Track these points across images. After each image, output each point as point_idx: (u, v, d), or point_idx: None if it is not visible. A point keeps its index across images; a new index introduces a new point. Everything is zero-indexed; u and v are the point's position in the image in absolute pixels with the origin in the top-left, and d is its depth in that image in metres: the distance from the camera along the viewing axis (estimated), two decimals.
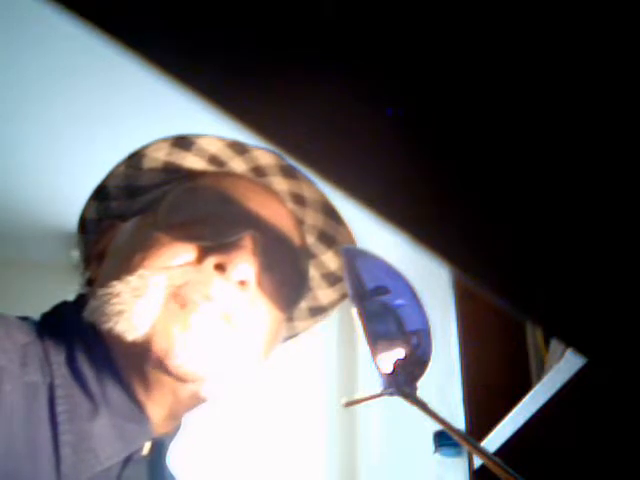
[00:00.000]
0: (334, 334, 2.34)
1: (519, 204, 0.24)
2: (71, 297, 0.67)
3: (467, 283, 0.26)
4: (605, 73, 0.21)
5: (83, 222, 0.70)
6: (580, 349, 0.31)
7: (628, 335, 0.27)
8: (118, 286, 0.57)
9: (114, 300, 0.56)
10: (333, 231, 0.69)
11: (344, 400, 0.61)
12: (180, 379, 0.57)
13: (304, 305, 0.72)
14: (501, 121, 0.22)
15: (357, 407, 2.14)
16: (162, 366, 0.56)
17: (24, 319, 0.61)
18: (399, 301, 0.54)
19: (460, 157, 0.23)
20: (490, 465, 0.46)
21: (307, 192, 0.67)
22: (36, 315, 0.64)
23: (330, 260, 0.71)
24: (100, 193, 0.68)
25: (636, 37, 0.20)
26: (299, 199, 0.68)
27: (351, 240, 0.68)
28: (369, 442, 2.15)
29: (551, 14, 0.20)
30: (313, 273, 0.71)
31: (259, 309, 0.61)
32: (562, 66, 0.21)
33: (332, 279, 0.71)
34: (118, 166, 0.66)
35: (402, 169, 0.23)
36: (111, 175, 0.67)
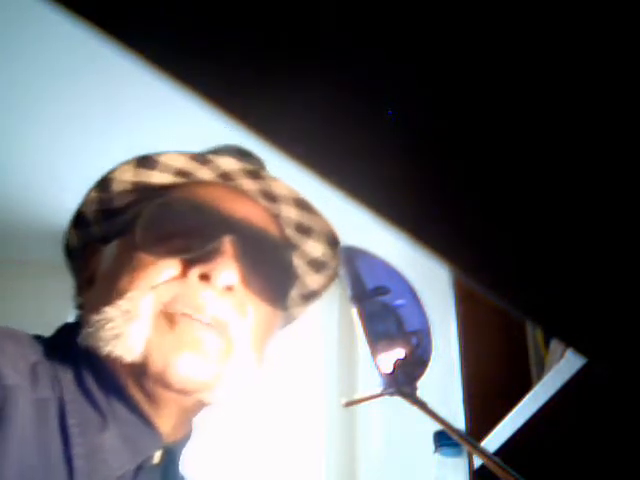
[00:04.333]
0: (334, 334, 2.34)
1: (519, 204, 0.24)
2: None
3: (467, 283, 0.26)
4: (605, 74, 0.21)
5: (68, 250, 0.73)
6: (580, 349, 0.31)
7: (628, 335, 0.27)
8: (110, 311, 0.58)
9: (108, 325, 0.58)
10: (308, 221, 0.70)
11: (344, 400, 0.61)
12: (181, 393, 0.58)
13: (295, 293, 0.73)
14: (501, 121, 0.22)
15: (357, 407, 2.14)
16: (162, 383, 0.57)
17: (35, 337, 0.62)
18: (399, 301, 0.54)
19: (460, 157, 0.23)
20: (490, 465, 0.46)
21: (276, 189, 0.67)
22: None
23: (312, 248, 0.72)
24: (78, 220, 0.70)
25: (636, 37, 0.20)
26: (270, 196, 0.68)
27: (327, 227, 0.69)
28: (369, 442, 2.15)
29: (550, 16, 0.20)
30: (298, 262, 0.72)
31: (250, 309, 0.62)
32: (562, 68, 0.21)
33: (317, 265, 0.73)
34: (90, 192, 0.68)
35: (402, 169, 0.23)
36: (85, 201, 0.68)
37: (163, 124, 1.90)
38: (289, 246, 0.71)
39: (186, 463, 0.65)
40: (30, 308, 2.21)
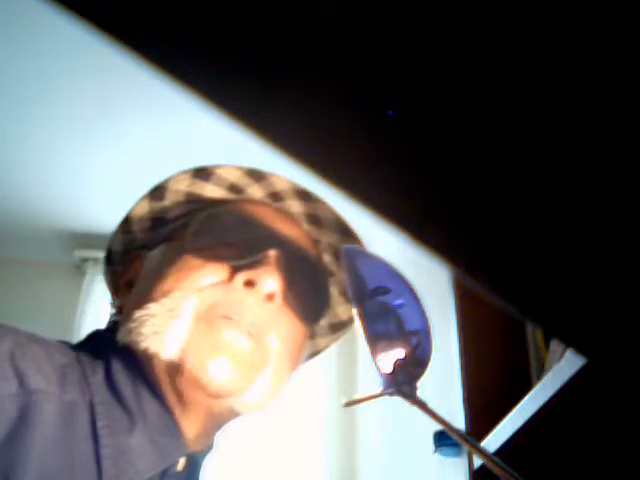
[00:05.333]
0: None
1: (520, 205, 0.24)
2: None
3: (467, 283, 0.26)
4: (600, 74, 0.21)
5: (109, 254, 0.73)
6: (580, 349, 0.31)
7: (628, 335, 0.27)
8: (154, 308, 0.59)
9: (150, 321, 0.58)
10: None
11: (344, 400, 0.61)
12: (214, 395, 0.58)
13: (324, 322, 0.74)
14: (499, 121, 0.22)
15: (357, 407, 2.14)
16: (196, 383, 0.57)
17: (64, 343, 0.63)
18: (399, 301, 0.54)
19: (461, 158, 0.23)
20: (490, 465, 0.46)
21: (322, 213, 0.70)
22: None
23: None
24: (126, 226, 0.71)
25: (636, 37, 0.20)
26: (315, 220, 0.71)
27: None
28: (369, 442, 2.15)
29: (549, 18, 0.20)
30: (332, 290, 0.74)
31: (285, 323, 0.64)
32: (557, 68, 0.21)
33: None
34: (141, 200, 0.70)
35: (402, 170, 0.23)
36: (135, 208, 0.70)
37: (164, 124, 1.90)
38: (326, 272, 0.72)
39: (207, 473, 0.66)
40: (30, 308, 2.21)
